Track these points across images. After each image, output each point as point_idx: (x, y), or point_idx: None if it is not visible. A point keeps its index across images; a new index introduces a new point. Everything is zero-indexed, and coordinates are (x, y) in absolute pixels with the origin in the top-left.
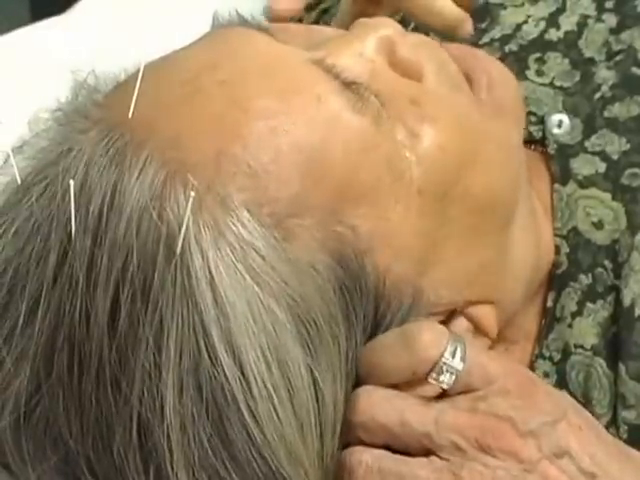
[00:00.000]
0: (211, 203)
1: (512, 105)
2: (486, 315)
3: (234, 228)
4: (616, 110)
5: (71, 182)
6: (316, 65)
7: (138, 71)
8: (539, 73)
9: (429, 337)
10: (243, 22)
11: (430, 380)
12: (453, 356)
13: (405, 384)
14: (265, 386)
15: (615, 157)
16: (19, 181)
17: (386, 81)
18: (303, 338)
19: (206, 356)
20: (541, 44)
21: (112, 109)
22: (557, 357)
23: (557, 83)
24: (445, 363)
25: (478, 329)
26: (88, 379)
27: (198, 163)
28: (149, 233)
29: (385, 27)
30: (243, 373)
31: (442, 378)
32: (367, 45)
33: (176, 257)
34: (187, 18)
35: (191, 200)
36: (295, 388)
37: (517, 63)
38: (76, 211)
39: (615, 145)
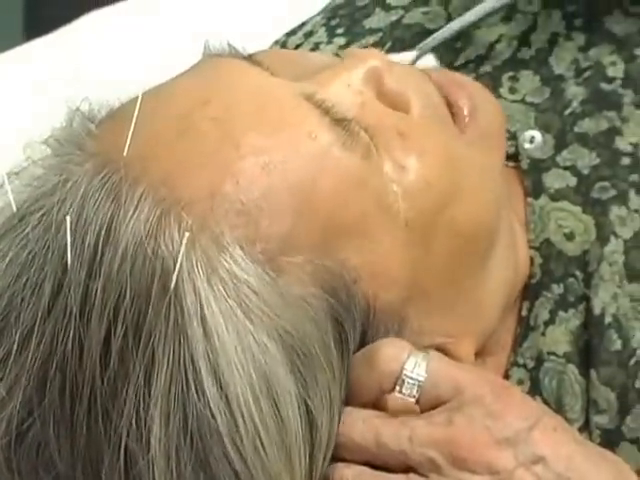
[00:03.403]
0: (204, 241)
1: (495, 131)
2: (464, 349)
3: (227, 265)
4: (586, 125)
5: (67, 218)
6: (307, 100)
7: (131, 102)
8: (512, 90)
9: (389, 351)
10: (234, 52)
11: (396, 394)
12: (416, 368)
13: (382, 403)
14: (252, 420)
15: (585, 171)
16: (14, 208)
17: (375, 114)
18: (296, 369)
19: (194, 390)
20: (514, 63)
21: (107, 142)
22: (531, 364)
23: (528, 99)
24: (407, 375)
25: (454, 359)
26: (79, 408)
27: (192, 201)
28: (144, 268)
29: (373, 58)
30: (229, 407)
31: (406, 390)
32: (355, 76)
33: (170, 293)
34: (174, 44)
35: (185, 240)
36: (286, 419)
37: (491, 82)
38: (71, 244)
39: (585, 159)
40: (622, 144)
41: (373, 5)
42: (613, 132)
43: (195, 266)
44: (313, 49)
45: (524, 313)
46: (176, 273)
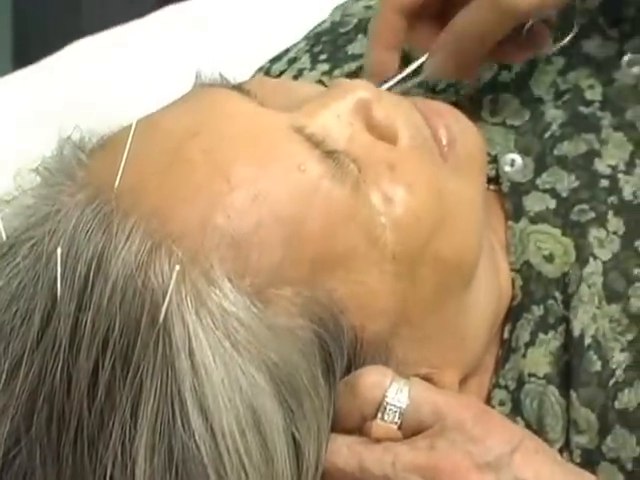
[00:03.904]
0: (194, 274)
1: (475, 161)
2: (448, 379)
3: (215, 298)
4: (565, 148)
5: (58, 250)
6: (297, 133)
7: (122, 132)
8: (492, 113)
9: (371, 379)
10: (225, 82)
11: (379, 421)
12: (397, 395)
13: (365, 429)
14: (237, 452)
15: (565, 194)
16: (4, 237)
17: (363, 146)
18: (283, 400)
19: (179, 423)
20: (494, 86)
21: (98, 173)
22: (512, 386)
23: (508, 122)
24: (389, 402)
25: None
26: (66, 438)
27: (182, 233)
28: (133, 301)
29: (362, 89)
30: (215, 440)
31: (388, 418)
32: (345, 107)
33: (158, 326)
34: (161, 71)
35: (175, 273)
36: (272, 450)
37: (471, 105)
38: (62, 275)
39: (565, 182)
40: (601, 166)
41: (355, 31)
42: (592, 154)
43: (184, 299)
44: (297, 75)
45: (506, 335)
46: (165, 306)
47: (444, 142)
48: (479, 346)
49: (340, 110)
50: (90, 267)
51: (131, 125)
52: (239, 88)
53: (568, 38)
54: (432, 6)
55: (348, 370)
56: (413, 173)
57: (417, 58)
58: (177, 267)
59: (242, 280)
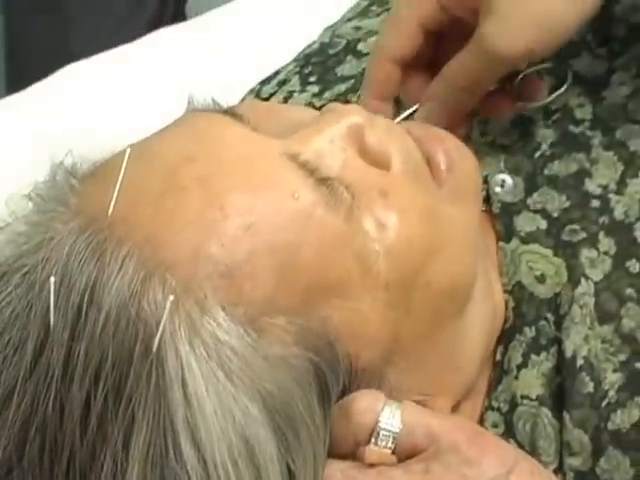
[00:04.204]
0: (188, 303)
1: (472, 187)
2: (440, 406)
3: (209, 327)
4: (556, 168)
5: (52, 279)
6: (291, 160)
7: (115, 158)
8: (482, 133)
9: (364, 403)
10: (217, 107)
11: (372, 446)
12: (390, 419)
13: (359, 454)
14: None
15: (555, 214)
16: None
17: (356, 172)
18: (278, 429)
19: (172, 454)
20: None
21: (91, 200)
22: (505, 408)
23: (498, 142)
24: (382, 427)
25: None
26: (58, 469)
27: (175, 263)
28: (127, 331)
29: (355, 114)
30: (207, 471)
31: (382, 442)
32: (338, 133)
33: (152, 356)
34: (152, 93)
35: (169, 303)
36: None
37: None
38: (55, 304)
39: (555, 202)
40: (591, 186)
41: (344, 53)
42: (582, 174)
43: (178, 329)
44: (287, 97)
45: (498, 357)
46: (158, 336)
47: (442, 167)
48: (473, 371)
49: (333, 135)
50: (83, 296)
51: (123, 151)
52: (232, 113)
53: (563, 88)
54: (424, 55)
55: (343, 396)
56: (406, 199)
57: (408, 107)
58: (171, 297)
59: (236, 309)
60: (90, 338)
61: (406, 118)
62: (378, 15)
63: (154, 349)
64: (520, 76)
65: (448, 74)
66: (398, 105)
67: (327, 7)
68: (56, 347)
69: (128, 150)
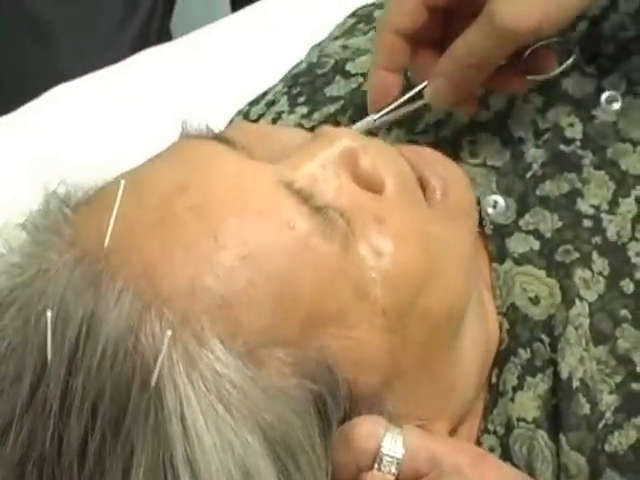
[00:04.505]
0: (185, 336)
1: (466, 209)
2: (437, 431)
3: (207, 360)
4: (547, 188)
5: (48, 313)
6: (285, 188)
7: (108, 186)
8: (472, 154)
9: (365, 429)
10: (210, 133)
11: (375, 472)
12: (392, 444)
13: (362, 479)
14: None
15: (548, 235)
16: None
17: (350, 197)
18: (278, 460)
19: None
20: (473, 126)
21: (85, 230)
22: (501, 431)
23: (489, 163)
24: (385, 453)
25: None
26: None
27: (172, 295)
28: (124, 364)
29: (347, 138)
30: None
31: (385, 468)
32: (331, 157)
33: (149, 390)
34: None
35: (167, 339)
36: None
37: (451, 146)
38: (52, 337)
39: (548, 223)
40: (584, 206)
41: (333, 73)
42: (574, 194)
43: (176, 363)
44: (275, 119)
45: (493, 380)
46: (156, 372)
47: (438, 192)
48: (469, 393)
49: (326, 160)
50: (80, 329)
51: (117, 180)
52: (224, 139)
53: (569, 62)
54: (432, 31)
55: (344, 422)
56: (401, 225)
57: (418, 84)
58: (169, 332)
59: (234, 341)
60: (87, 371)
61: (415, 95)
62: (365, 33)
63: (152, 383)
64: (528, 51)
65: (456, 51)
66: (408, 82)
67: (316, 24)
68: (53, 381)
69: (122, 182)
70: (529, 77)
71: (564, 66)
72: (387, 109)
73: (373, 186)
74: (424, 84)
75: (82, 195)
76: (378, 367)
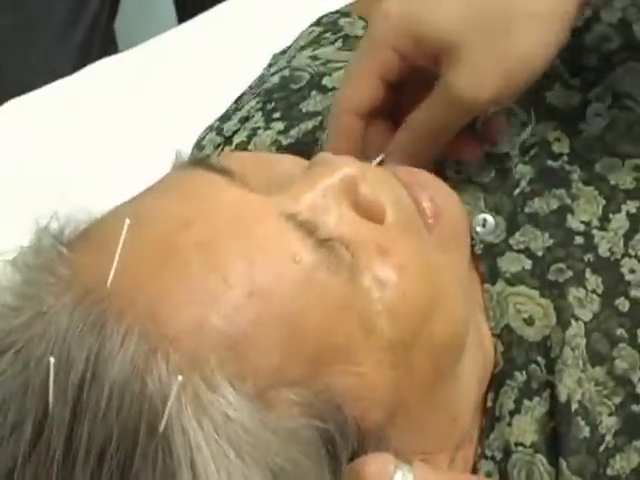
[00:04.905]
0: (195, 380)
1: (460, 232)
2: (439, 464)
3: (218, 405)
4: (536, 205)
5: (51, 359)
6: (289, 221)
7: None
8: (457, 171)
9: (376, 467)
10: (206, 162)
11: None
12: None
13: None
14: None
15: (539, 253)
16: None
17: (352, 227)
18: None
19: None
20: None
21: (84, 270)
22: (499, 456)
23: (475, 179)
24: None
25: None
26: None
27: (179, 336)
28: (131, 409)
29: (347, 166)
30: None
31: None
32: (331, 187)
33: (158, 435)
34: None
35: (177, 384)
36: None
37: (435, 164)
38: (53, 383)
39: (539, 241)
40: (574, 223)
41: (309, 88)
42: (564, 211)
43: (185, 408)
44: (251, 135)
45: (489, 404)
46: (165, 417)
47: (429, 215)
48: (468, 421)
49: (326, 190)
50: (84, 373)
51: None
52: (222, 170)
53: (527, 132)
54: (385, 104)
55: (352, 459)
56: (404, 255)
57: (372, 156)
58: (179, 377)
59: (243, 383)
60: (93, 417)
61: None
62: (332, 43)
63: (161, 428)
64: (481, 119)
65: (413, 124)
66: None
67: (263, 34)
68: (56, 427)
69: (127, 221)
70: (484, 148)
71: (521, 138)
72: None
73: (374, 215)
74: (380, 157)
75: (74, 230)
76: (384, 402)
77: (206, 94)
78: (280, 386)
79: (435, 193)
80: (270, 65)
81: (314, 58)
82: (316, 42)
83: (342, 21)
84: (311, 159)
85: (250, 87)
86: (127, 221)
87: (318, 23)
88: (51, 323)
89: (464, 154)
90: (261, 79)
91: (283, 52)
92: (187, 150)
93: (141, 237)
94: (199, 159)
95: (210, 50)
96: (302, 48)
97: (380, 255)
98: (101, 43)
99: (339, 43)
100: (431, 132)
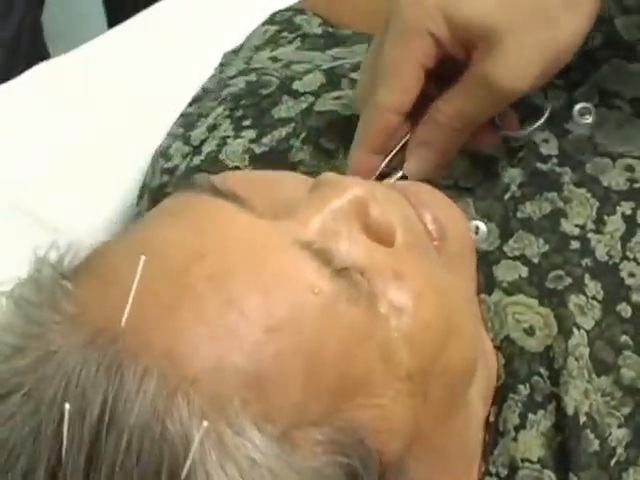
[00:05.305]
0: (219, 424)
1: (465, 250)
2: None
3: (244, 450)
4: (528, 209)
5: (66, 405)
6: (304, 249)
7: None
8: (445, 177)
9: None
10: (211, 187)
11: None
12: None
13: None
14: None
15: (535, 260)
16: None
17: (366, 252)
18: None
19: None
20: None
21: (93, 307)
22: (504, 473)
23: (461, 184)
24: None
25: None
26: None
27: (199, 377)
28: (152, 454)
29: (355, 187)
30: None
31: None
32: (340, 209)
33: None
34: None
35: (202, 430)
36: None
37: None
38: (67, 428)
39: (534, 247)
40: (568, 227)
41: (279, 93)
42: (557, 214)
43: (208, 452)
44: (220, 144)
45: (492, 418)
46: (189, 461)
47: (435, 235)
48: (478, 443)
49: (336, 212)
50: (101, 417)
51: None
52: (228, 195)
53: (542, 120)
54: None
55: None
56: (418, 279)
57: None
58: (205, 423)
59: (267, 424)
60: (111, 463)
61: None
62: (291, 42)
63: (183, 475)
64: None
65: (441, 115)
66: None
67: (194, 37)
68: (70, 475)
69: (143, 257)
70: (502, 133)
71: (538, 123)
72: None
73: (384, 237)
74: (399, 175)
75: (74, 261)
76: (403, 432)
77: (140, 99)
78: (303, 426)
79: (438, 211)
80: (222, 65)
81: (274, 59)
82: (273, 42)
83: (298, 19)
84: (315, 177)
85: (205, 89)
86: (143, 257)
87: (271, 21)
88: (61, 364)
89: (483, 143)
90: (220, 82)
91: (234, 51)
92: (145, 158)
93: (150, 272)
94: (202, 182)
95: (143, 54)
96: (257, 48)
97: (395, 280)
98: (30, 39)
99: (297, 42)
100: (462, 122)
